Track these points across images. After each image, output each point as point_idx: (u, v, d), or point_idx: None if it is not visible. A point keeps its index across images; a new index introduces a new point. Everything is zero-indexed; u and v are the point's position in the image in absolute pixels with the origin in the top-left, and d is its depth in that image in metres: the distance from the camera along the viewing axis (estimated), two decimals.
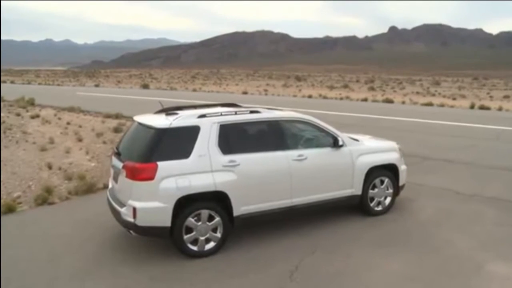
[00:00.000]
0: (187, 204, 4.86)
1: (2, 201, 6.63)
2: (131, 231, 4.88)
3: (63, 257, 5.11)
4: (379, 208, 6.42)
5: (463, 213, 6.48)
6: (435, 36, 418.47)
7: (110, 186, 5.77)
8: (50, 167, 9.17)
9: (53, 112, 19.32)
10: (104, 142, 12.20)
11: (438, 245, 5.36)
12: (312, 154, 5.68)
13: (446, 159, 10.07)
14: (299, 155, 5.55)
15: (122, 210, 4.88)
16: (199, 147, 4.95)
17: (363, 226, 5.99)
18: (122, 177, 4.93)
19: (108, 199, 5.51)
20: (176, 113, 5.26)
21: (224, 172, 5.02)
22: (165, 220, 4.77)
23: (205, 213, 4.97)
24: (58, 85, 50.69)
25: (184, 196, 4.80)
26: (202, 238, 5.01)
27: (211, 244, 5.08)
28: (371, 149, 6.35)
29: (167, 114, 5.29)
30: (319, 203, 5.81)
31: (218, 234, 5.10)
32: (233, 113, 5.39)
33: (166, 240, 5.19)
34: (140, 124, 5.34)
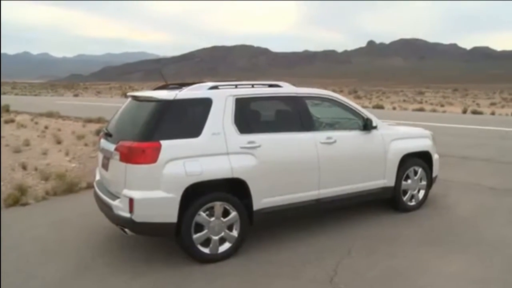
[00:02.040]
0: (197, 195, 3.89)
1: None
2: (126, 230, 3.85)
3: (36, 264, 4.05)
4: (412, 202, 5.54)
5: (507, 208, 5.66)
6: (413, 50, 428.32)
7: (97, 177, 4.74)
8: (24, 168, 8.06)
9: (29, 117, 18.08)
10: (86, 144, 11.10)
11: (496, 242, 4.50)
12: (341, 137, 4.78)
13: (462, 156, 9.32)
14: (328, 138, 4.65)
15: (115, 203, 3.86)
16: (212, 124, 4.00)
17: (397, 223, 5.10)
18: (115, 162, 3.93)
19: (95, 193, 4.49)
20: (181, 88, 4.31)
21: (242, 155, 4.07)
22: (170, 215, 3.77)
23: (219, 206, 4.00)
24: (36, 95, 48.93)
25: (194, 184, 3.82)
26: (216, 237, 4.03)
27: (226, 245, 4.10)
28: (404, 134, 5.50)
29: (170, 89, 4.34)
30: (349, 196, 4.89)
31: (235, 233, 4.12)
32: (250, 86, 4.48)
33: (170, 241, 4.21)
34: (136, 99, 4.37)
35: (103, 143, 4.40)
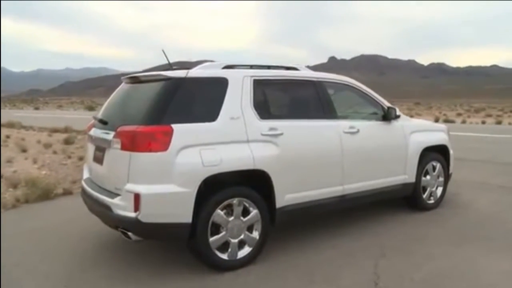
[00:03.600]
0: (213, 190, 3.28)
1: None
2: (129, 233, 3.17)
3: (13, 283, 3.30)
4: (431, 200, 5.12)
5: None
6: (373, 66, 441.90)
7: (85, 175, 4.03)
8: None
9: None
10: (55, 152, 10.17)
11: None
12: (363, 127, 4.32)
13: (458, 158, 9.00)
14: (351, 127, 4.17)
15: (114, 202, 3.19)
16: (229, 107, 3.42)
17: (420, 223, 4.64)
18: (114, 152, 3.27)
19: (84, 193, 3.79)
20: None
21: (263, 144, 3.51)
22: (184, 214, 3.14)
23: (238, 203, 3.40)
24: None
25: (211, 176, 3.21)
26: (235, 240, 3.42)
27: (246, 250, 3.49)
28: (422, 126, 5.10)
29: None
30: (372, 192, 4.41)
31: (255, 235, 3.53)
32: (266, 67, 3.94)
33: (173, 247, 3.56)
34: (137, 80, 3.71)
35: (95, 132, 3.73)
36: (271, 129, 3.57)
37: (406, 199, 5.04)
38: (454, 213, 4.97)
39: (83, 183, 3.92)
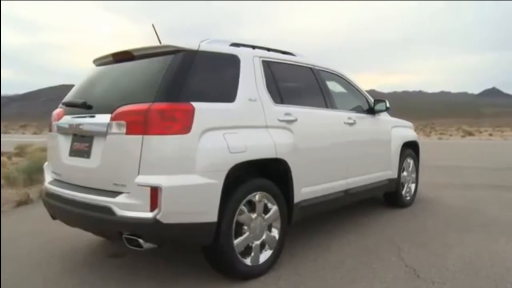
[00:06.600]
0: (236, 182, 2.75)
1: None
2: (140, 240, 2.47)
3: None
4: (408, 197, 5.10)
5: (485, 197, 5.64)
6: None
7: (49, 177, 3.20)
8: None
9: None
10: None
11: None
12: (358, 119, 4.13)
13: None
14: (349, 118, 3.96)
15: (117, 201, 2.49)
16: (245, 88, 2.96)
17: (410, 217, 4.60)
18: (113, 139, 2.58)
19: (52, 197, 2.98)
20: None
21: (280, 130, 3.10)
22: (210, 211, 2.57)
23: (260, 198, 2.91)
24: None
25: (238, 165, 2.70)
26: (257, 242, 2.92)
27: (268, 253, 3.00)
28: (399, 122, 5.07)
29: None
30: (367, 187, 4.24)
31: (275, 234, 3.05)
32: (266, 49, 3.54)
33: (173, 257, 2.95)
34: (128, 56, 3.00)
35: (71, 120, 2.97)
36: (287, 114, 3.18)
37: (386, 196, 4.95)
38: (432, 208, 5.03)
39: (49, 186, 3.08)
